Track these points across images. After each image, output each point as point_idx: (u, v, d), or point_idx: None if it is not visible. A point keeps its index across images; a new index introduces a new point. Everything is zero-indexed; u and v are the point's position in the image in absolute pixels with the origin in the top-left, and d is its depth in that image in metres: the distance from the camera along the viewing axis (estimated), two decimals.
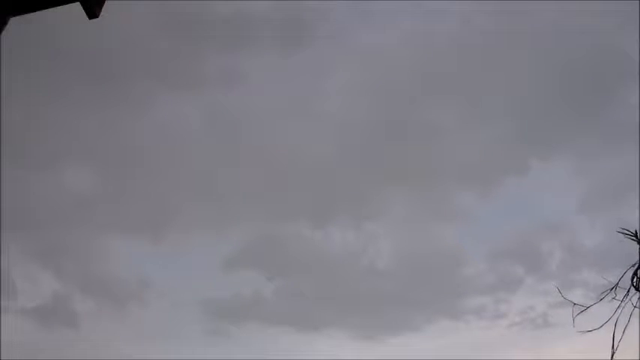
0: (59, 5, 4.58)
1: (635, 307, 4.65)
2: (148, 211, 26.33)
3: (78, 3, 4.61)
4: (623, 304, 4.69)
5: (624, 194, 21.18)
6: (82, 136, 24.62)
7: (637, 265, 4.69)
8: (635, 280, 4.67)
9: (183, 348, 23.14)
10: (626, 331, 4.66)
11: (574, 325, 4.91)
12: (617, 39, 22.68)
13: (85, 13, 4.67)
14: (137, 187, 25.89)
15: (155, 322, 24.73)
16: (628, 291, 4.70)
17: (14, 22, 4.42)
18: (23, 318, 22.75)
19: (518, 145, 26.29)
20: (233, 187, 26.24)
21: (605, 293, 4.80)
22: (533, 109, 25.46)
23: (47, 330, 23.29)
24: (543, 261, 25.04)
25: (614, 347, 4.69)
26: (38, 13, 4.54)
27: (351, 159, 26.65)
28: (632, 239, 4.74)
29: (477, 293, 25.61)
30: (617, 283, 4.73)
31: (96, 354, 21.70)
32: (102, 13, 4.73)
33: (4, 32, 4.34)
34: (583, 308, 4.92)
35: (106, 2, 4.72)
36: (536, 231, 26.05)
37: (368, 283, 26.38)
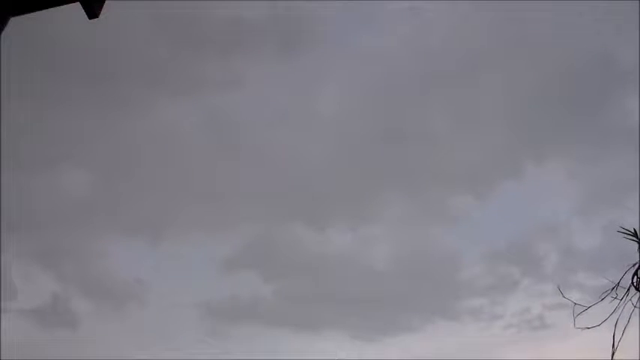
0: (59, 5, 4.58)
1: (635, 306, 4.66)
2: (147, 212, 26.37)
3: (78, 3, 4.62)
4: (622, 303, 4.70)
5: (620, 197, 21.26)
6: (81, 137, 24.65)
7: (637, 265, 4.70)
8: (635, 279, 4.68)
9: (182, 348, 23.17)
10: (625, 331, 4.67)
11: (575, 324, 4.92)
12: (615, 42, 22.74)
13: (85, 13, 4.67)
14: (135, 189, 25.91)
15: (154, 322, 24.74)
16: (628, 290, 4.70)
17: (14, 22, 4.42)
18: (23, 319, 22.77)
19: (514, 148, 26.37)
20: (232, 188, 26.27)
21: (606, 293, 4.81)
22: (531, 111, 25.52)
23: (46, 330, 23.33)
24: (539, 263, 25.15)
25: (615, 347, 4.69)
26: (38, 13, 4.54)
27: (349, 161, 26.72)
28: (632, 239, 4.75)
29: (474, 295, 25.70)
30: (619, 283, 4.74)
31: (95, 354, 21.73)
32: (102, 14, 4.74)
33: (4, 32, 4.34)
34: (584, 308, 4.93)
35: (106, 2, 4.72)
36: (532, 233, 26.14)
37: (366, 285, 26.42)
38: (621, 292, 4.80)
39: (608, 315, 4.82)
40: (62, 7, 4.57)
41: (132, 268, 26.22)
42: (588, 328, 4.94)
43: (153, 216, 26.38)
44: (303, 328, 25.71)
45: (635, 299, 4.68)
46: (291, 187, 26.44)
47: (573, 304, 4.95)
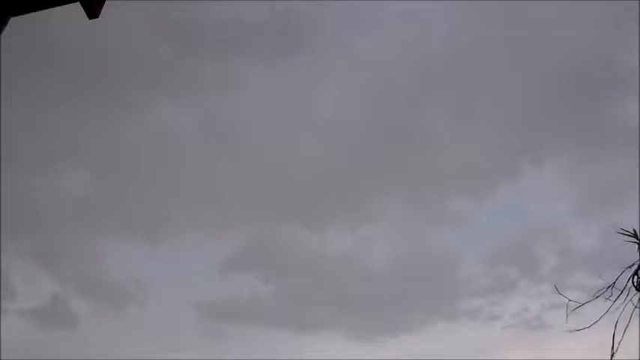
0: (59, 5, 4.58)
1: (635, 307, 4.65)
2: (146, 212, 26.36)
3: (78, 3, 4.61)
4: (623, 304, 4.69)
5: (619, 198, 21.30)
6: (81, 137, 24.65)
7: (637, 265, 4.69)
8: (635, 279, 4.68)
9: (181, 349, 23.19)
10: (625, 331, 4.67)
11: (567, 321, 4.93)
12: (615, 42, 22.75)
13: (85, 13, 4.67)
14: (135, 189, 25.91)
15: (153, 323, 24.76)
16: (623, 290, 4.70)
17: (14, 22, 4.42)
18: (22, 319, 22.78)
19: (513, 149, 26.38)
20: (231, 189, 26.29)
21: (602, 291, 4.81)
22: (530, 112, 25.54)
23: (46, 330, 23.33)
24: (537, 264, 25.18)
25: (614, 347, 4.69)
26: (38, 13, 4.53)
27: (349, 162, 26.72)
28: (632, 240, 4.75)
29: (472, 295, 25.74)
30: (615, 282, 4.74)
31: (94, 354, 21.74)
32: (102, 14, 4.73)
33: (4, 32, 4.34)
34: (578, 304, 4.93)
35: (106, 2, 4.71)
36: (530, 234, 26.16)
37: (364, 285, 26.45)
38: (619, 293, 4.80)
39: (607, 315, 4.81)
40: (62, 7, 4.57)
41: (131, 268, 26.26)
42: (577, 330, 4.94)
43: (152, 216, 26.41)
44: (303, 328, 25.75)
45: (635, 299, 4.68)
46: (290, 188, 26.47)
47: (567, 301, 4.95)
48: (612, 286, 4.77)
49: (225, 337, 24.81)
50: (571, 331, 4.94)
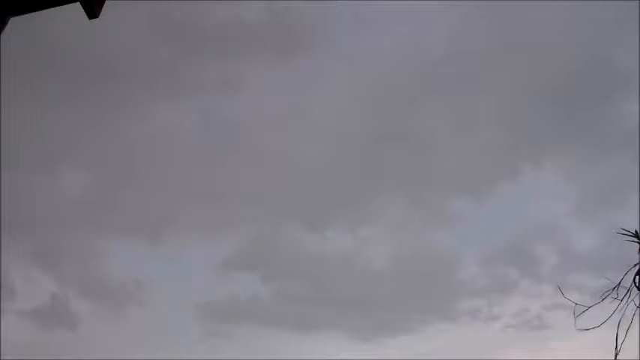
0: (59, 5, 4.57)
1: (638, 307, 4.65)
2: (146, 213, 26.37)
3: (78, 3, 4.61)
4: (625, 304, 4.68)
5: (618, 198, 21.32)
6: (81, 138, 24.66)
7: (639, 266, 4.68)
8: (637, 280, 4.67)
9: (180, 349, 23.17)
10: (627, 332, 4.66)
11: (575, 324, 4.91)
12: (615, 43, 22.76)
13: (85, 13, 4.66)
14: (135, 190, 25.91)
15: (153, 323, 24.74)
16: (628, 291, 4.69)
17: (14, 22, 4.41)
18: (22, 319, 22.79)
19: (513, 149, 26.37)
20: (231, 189, 26.29)
21: (607, 293, 4.80)
22: (529, 112, 25.53)
23: (46, 330, 23.35)
24: (537, 264, 25.19)
25: (618, 348, 4.68)
26: (38, 13, 4.53)
27: (348, 162, 26.72)
28: (633, 240, 4.74)
29: (472, 296, 25.74)
30: (619, 283, 4.72)
31: (95, 354, 21.75)
32: (102, 14, 4.72)
33: (4, 32, 4.34)
34: (584, 308, 4.91)
35: (106, 2, 4.71)
36: (530, 234, 26.17)
37: (365, 285, 26.46)
38: (622, 293, 4.79)
39: (607, 316, 4.81)
40: (62, 7, 4.56)
41: (131, 268, 26.19)
42: (587, 329, 4.93)
43: (152, 216, 26.42)
44: (302, 328, 25.77)
45: (637, 300, 4.67)
46: (290, 189, 26.48)
47: (574, 305, 4.94)
48: (617, 287, 4.75)
49: (225, 337, 24.85)
50: (580, 331, 4.93)
